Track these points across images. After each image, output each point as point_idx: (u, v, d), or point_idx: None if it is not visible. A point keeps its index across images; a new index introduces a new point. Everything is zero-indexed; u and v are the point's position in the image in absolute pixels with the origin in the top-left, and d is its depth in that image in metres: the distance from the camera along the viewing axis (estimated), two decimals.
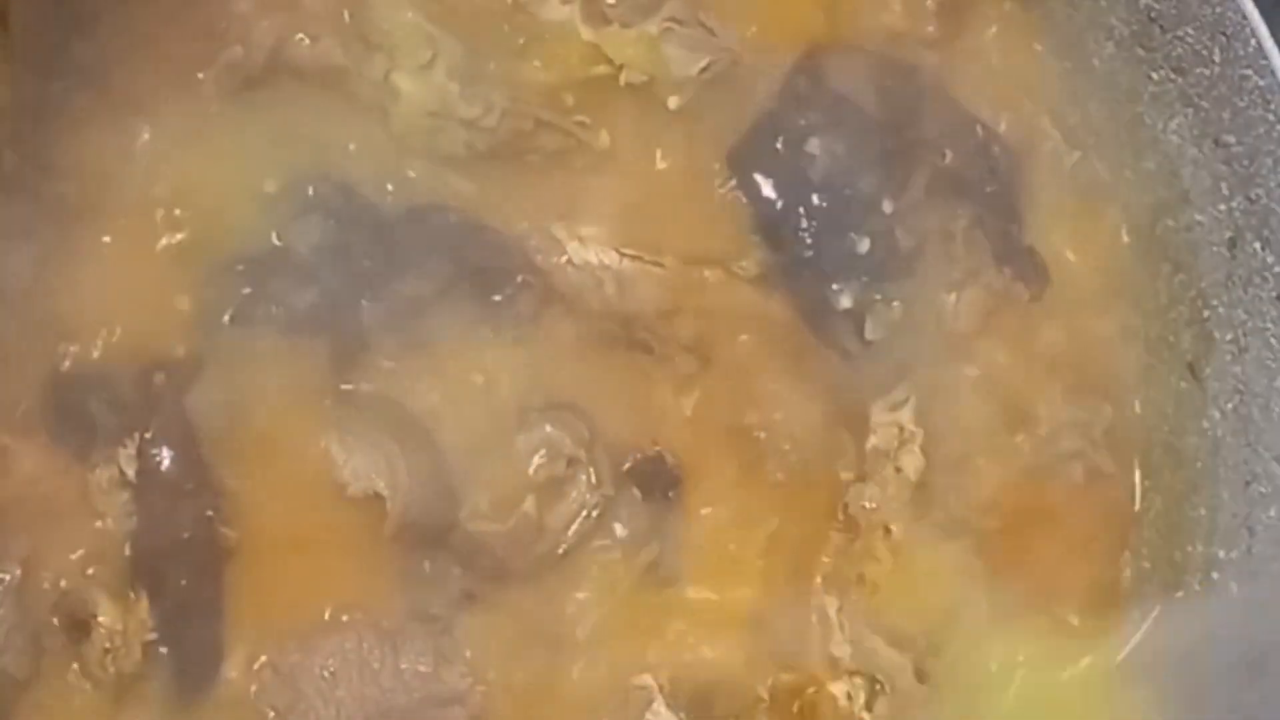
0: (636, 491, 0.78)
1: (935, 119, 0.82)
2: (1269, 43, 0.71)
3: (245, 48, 0.76)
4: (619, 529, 0.78)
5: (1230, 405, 0.79)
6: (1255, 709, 0.75)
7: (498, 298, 0.77)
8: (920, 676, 0.79)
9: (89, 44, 0.76)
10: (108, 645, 0.73)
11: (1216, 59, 0.74)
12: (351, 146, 0.77)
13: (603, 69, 0.77)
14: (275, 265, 0.76)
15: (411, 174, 0.77)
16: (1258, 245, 0.76)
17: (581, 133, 0.78)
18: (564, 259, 0.77)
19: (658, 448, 0.79)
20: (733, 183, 0.80)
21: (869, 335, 0.80)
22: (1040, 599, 0.83)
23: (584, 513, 0.77)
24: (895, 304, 0.80)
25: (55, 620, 0.74)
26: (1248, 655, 0.76)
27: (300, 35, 0.76)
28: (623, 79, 0.77)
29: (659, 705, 0.77)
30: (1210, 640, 0.78)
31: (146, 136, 0.77)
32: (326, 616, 0.76)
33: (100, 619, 0.73)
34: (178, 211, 0.77)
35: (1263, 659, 0.75)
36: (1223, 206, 0.77)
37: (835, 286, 0.79)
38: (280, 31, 0.76)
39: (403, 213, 0.77)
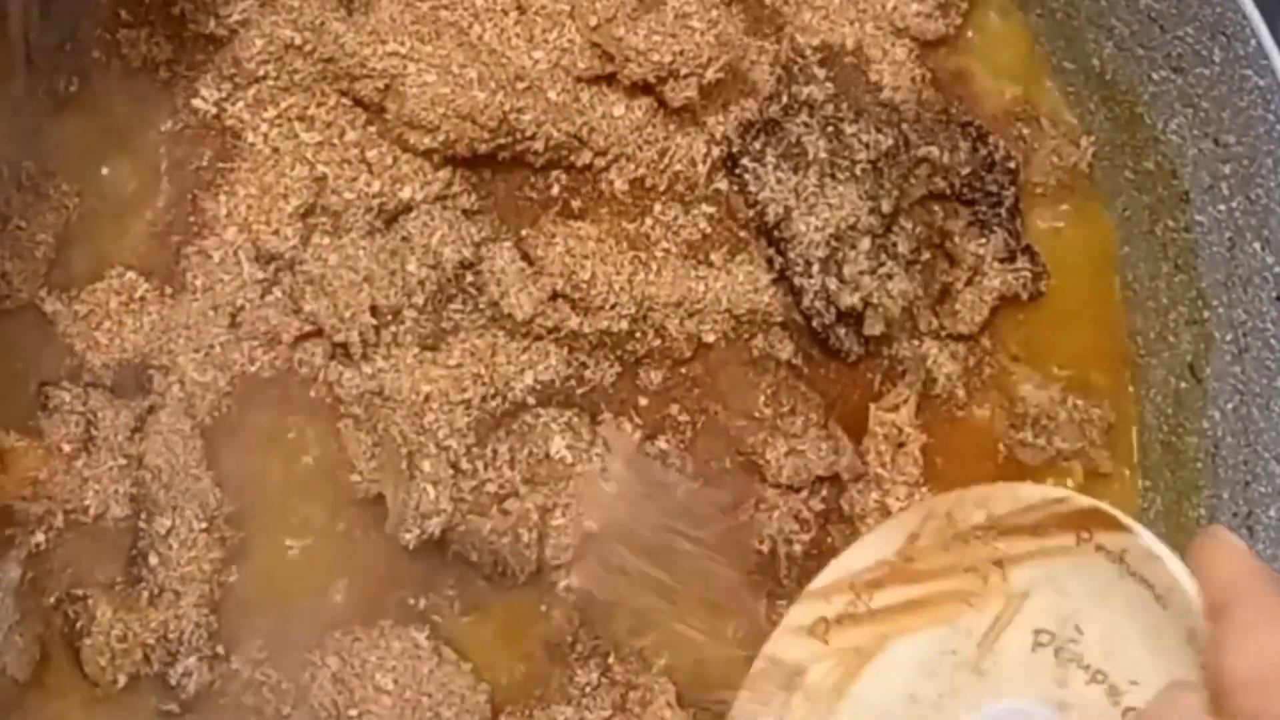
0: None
1: (935, 118, 0.82)
2: (1269, 43, 0.71)
3: (244, 51, 0.76)
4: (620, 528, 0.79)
5: (1230, 405, 0.79)
6: None
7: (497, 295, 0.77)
8: None
9: (90, 43, 0.77)
10: (108, 645, 0.73)
11: (1216, 59, 0.74)
12: (352, 149, 0.77)
13: (602, 66, 0.77)
14: (278, 267, 0.77)
15: (411, 173, 0.77)
16: (1258, 245, 0.76)
17: (581, 132, 0.78)
18: (563, 255, 0.77)
19: (658, 446, 0.79)
20: (733, 182, 0.80)
21: (868, 334, 0.80)
22: None
23: (585, 511, 0.77)
24: (894, 303, 0.80)
25: (55, 620, 0.74)
26: None
27: (294, 36, 0.76)
28: (624, 77, 0.77)
29: (664, 703, 0.77)
30: None
31: (147, 136, 0.77)
32: (328, 616, 0.76)
33: (100, 619, 0.73)
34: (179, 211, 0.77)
35: None
36: (1223, 206, 0.77)
37: (834, 286, 0.78)
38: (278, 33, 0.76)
39: (403, 213, 0.77)
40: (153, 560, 0.74)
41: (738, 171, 0.80)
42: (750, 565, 0.80)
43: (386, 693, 0.75)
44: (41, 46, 0.75)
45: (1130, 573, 0.56)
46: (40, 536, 0.74)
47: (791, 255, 0.79)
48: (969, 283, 0.82)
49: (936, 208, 0.82)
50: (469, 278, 0.78)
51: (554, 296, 0.77)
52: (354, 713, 0.74)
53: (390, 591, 0.77)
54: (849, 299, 0.79)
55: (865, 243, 0.79)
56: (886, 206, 0.79)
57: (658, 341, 0.79)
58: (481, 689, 0.76)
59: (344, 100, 0.77)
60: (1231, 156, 0.75)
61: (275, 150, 0.77)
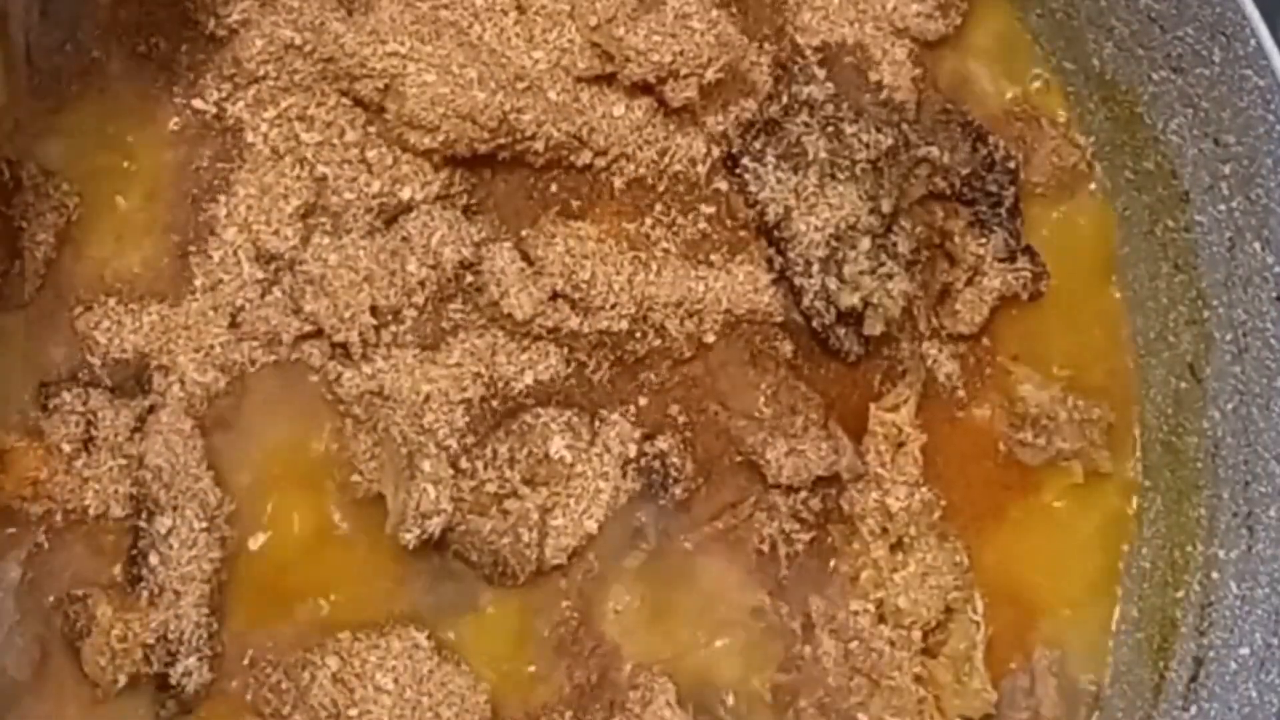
0: (638, 491, 0.78)
1: (935, 118, 0.82)
2: (1269, 43, 0.71)
3: (244, 51, 0.76)
4: (621, 528, 0.78)
5: (1230, 405, 0.79)
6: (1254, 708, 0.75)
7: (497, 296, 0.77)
8: (917, 675, 0.79)
9: (90, 43, 0.77)
10: (108, 645, 0.73)
11: (1216, 59, 0.74)
12: (352, 149, 0.77)
13: (602, 66, 0.77)
14: (278, 267, 0.77)
15: (411, 173, 0.77)
16: (1258, 245, 0.76)
17: (581, 132, 0.78)
18: (563, 255, 0.77)
19: (659, 447, 0.79)
20: (733, 182, 0.80)
21: (868, 334, 0.80)
22: (1038, 599, 0.83)
23: (585, 511, 0.77)
24: (894, 303, 0.80)
25: (55, 620, 0.74)
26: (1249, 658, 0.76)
27: (294, 36, 0.76)
28: (624, 77, 0.77)
29: (664, 702, 0.77)
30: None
31: (147, 136, 0.77)
32: (327, 615, 0.77)
33: (100, 619, 0.73)
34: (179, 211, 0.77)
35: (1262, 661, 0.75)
36: (1223, 206, 0.77)
37: (834, 286, 0.78)
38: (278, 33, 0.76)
39: (403, 213, 0.77)
40: (153, 560, 0.74)
41: (738, 171, 0.80)
42: (750, 564, 0.80)
43: (386, 693, 0.75)
44: (41, 46, 0.75)
45: None
46: (40, 536, 0.74)
47: (791, 255, 0.79)
48: (969, 283, 0.82)
49: (936, 208, 0.82)
50: (469, 278, 0.78)
51: (554, 296, 0.77)
52: (354, 713, 0.74)
53: (390, 591, 0.77)
54: (849, 299, 0.79)
55: (865, 243, 0.79)
56: (886, 206, 0.79)
57: (658, 341, 0.79)
58: (481, 689, 0.76)
59: (344, 100, 0.77)
60: (1231, 156, 0.75)
61: (275, 150, 0.77)
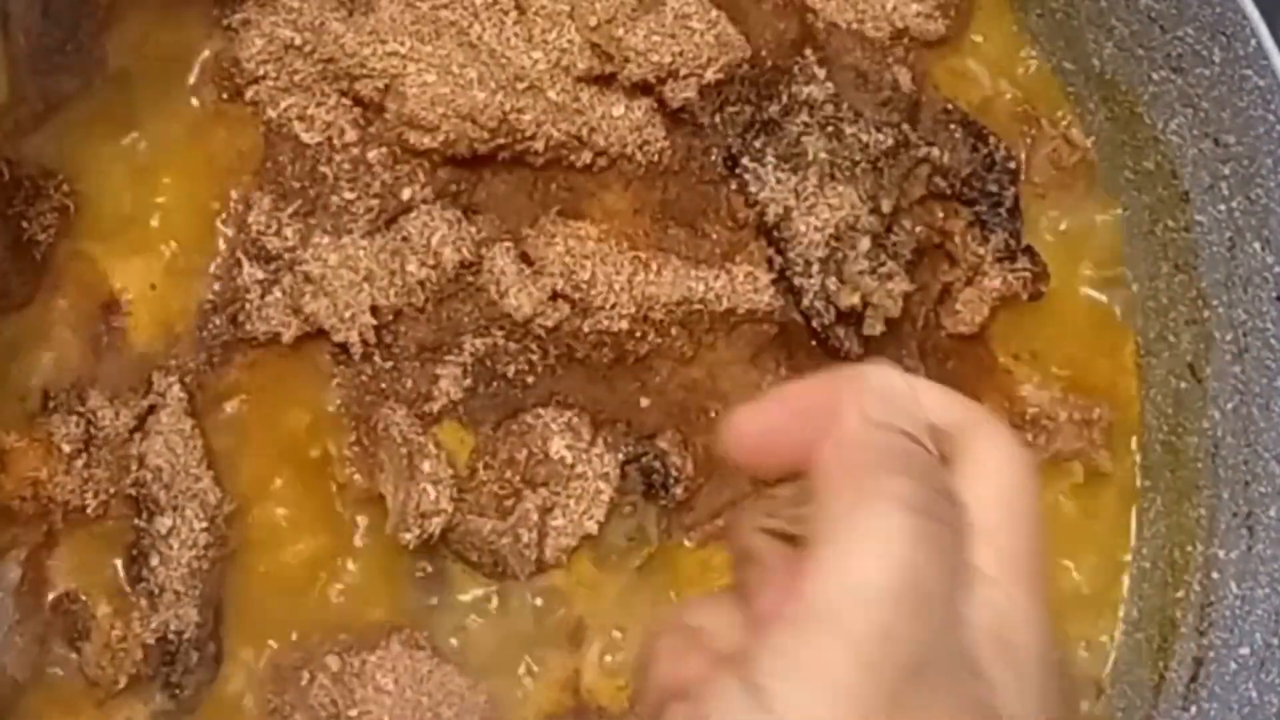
0: (638, 491, 0.79)
1: (935, 118, 0.82)
2: (1269, 43, 0.71)
3: (244, 51, 0.76)
4: (620, 528, 0.78)
5: (1230, 405, 0.79)
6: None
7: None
8: None
9: (90, 42, 0.77)
10: (108, 645, 0.73)
11: (1216, 59, 0.74)
12: (352, 149, 0.77)
13: (602, 66, 0.77)
14: (278, 267, 0.77)
15: (411, 173, 0.77)
16: (1258, 245, 0.76)
17: (581, 132, 0.78)
18: (563, 255, 0.77)
19: (659, 447, 0.79)
20: (733, 182, 0.80)
21: (868, 334, 0.80)
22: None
23: (585, 511, 0.77)
24: (894, 303, 0.80)
25: (55, 620, 0.74)
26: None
27: (294, 36, 0.76)
28: (624, 77, 0.77)
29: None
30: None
31: (148, 137, 0.77)
32: (327, 616, 0.77)
33: (100, 619, 0.73)
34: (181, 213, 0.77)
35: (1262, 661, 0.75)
36: (1223, 206, 0.77)
37: (834, 286, 0.78)
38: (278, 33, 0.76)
39: (403, 213, 0.77)
40: (153, 560, 0.74)
41: (737, 171, 0.80)
42: None
43: (386, 693, 0.75)
44: (42, 47, 0.75)
45: None
46: (40, 536, 0.74)
47: (791, 255, 0.79)
48: (969, 283, 0.82)
49: (936, 208, 0.82)
50: (469, 278, 0.78)
51: (554, 296, 0.77)
52: (354, 713, 0.74)
53: (390, 592, 0.77)
54: (849, 299, 0.79)
55: (865, 243, 0.79)
56: (886, 206, 0.79)
57: (658, 341, 0.79)
58: (481, 689, 0.76)
59: (344, 100, 0.77)
60: (1231, 156, 0.75)
61: (275, 150, 0.77)
